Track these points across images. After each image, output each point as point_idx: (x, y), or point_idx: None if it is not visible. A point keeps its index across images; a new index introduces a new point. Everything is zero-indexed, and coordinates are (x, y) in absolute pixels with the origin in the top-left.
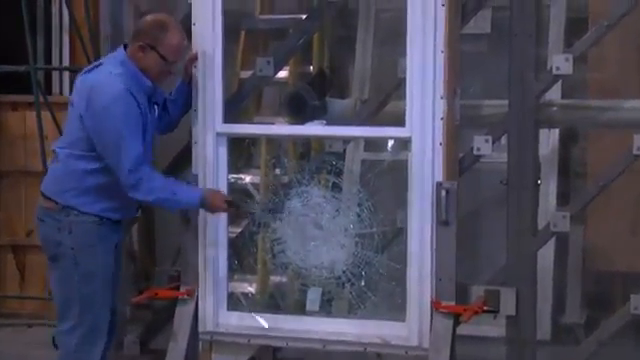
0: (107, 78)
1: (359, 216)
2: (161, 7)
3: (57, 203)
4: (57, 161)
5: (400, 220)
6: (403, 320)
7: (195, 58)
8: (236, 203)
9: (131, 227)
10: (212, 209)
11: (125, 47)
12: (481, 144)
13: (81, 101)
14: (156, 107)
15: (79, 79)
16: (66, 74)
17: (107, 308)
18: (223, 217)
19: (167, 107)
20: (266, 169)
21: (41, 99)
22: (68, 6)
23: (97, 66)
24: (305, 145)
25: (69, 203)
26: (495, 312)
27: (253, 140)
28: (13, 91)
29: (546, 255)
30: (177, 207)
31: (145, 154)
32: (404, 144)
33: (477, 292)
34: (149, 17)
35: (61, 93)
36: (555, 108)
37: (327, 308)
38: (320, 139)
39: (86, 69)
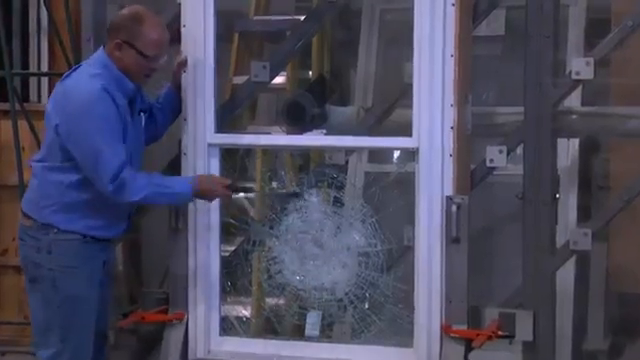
0: (83, 79)
1: (362, 233)
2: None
3: (35, 220)
4: (34, 176)
5: (407, 237)
6: (410, 346)
7: (184, 62)
8: (234, 185)
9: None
10: (209, 194)
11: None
12: (495, 155)
13: (56, 107)
14: (142, 115)
15: (56, 86)
16: (44, 80)
17: (91, 334)
18: (215, 235)
19: (153, 114)
20: (262, 182)
21: (17, 107)
22: (47, 8)
23: (75, 69)
24: (304, 156)
25: (48, 220)
26: (511, 337)
27: (247, 151)
28: None
29: (566, 275)
30: (171, 200)
31: (127, 162)
32: (411, 155)
33: (491, 315)
34: (123, 10)
35: (39, 101)
36: (575, 116)
37: (328, 333)
38: (320, 150)
39: (65, 75)
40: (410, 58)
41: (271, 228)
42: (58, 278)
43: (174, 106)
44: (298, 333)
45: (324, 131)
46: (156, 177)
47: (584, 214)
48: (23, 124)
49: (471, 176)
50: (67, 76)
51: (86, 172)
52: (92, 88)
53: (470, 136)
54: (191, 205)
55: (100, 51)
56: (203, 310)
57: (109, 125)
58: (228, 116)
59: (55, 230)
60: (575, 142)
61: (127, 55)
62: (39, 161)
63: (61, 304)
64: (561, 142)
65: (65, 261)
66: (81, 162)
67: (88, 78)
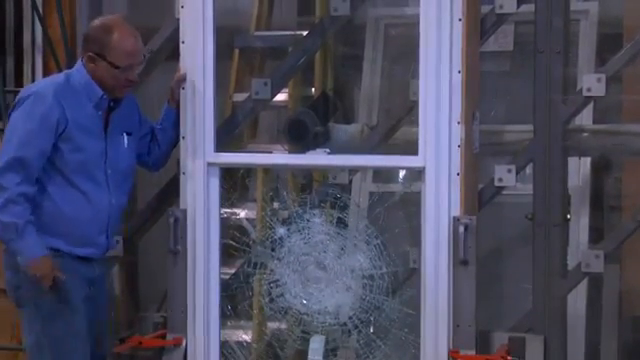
0: (41, 80)
1: (367, 255)
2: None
3: None
4: None
5: (413, 260)
6: None
7: (183, 79)
8: (59, 280)
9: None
10: (38, 272)
11: None
12: (503, 174)
13: None
14: (125, 136)
15: None
16: None
17: (85, 355)
18: (215, 257)
19: (155, 137)
20: (263, 203)
21: None
22: (42, 24)
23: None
24: (306, 176)
25: None
26: None
27: (248, 171)
28: None
29: (577, 299)
30: (8, 244)
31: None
32: (417, 174)
33: (500, 340)
34: (95, 21)
35: None
36: (586, 134)
37: (332, 358)
38: (323, 169)
39: None
40: (416, 74)
41: (272, 250)
42: (38, 298)
43: (176, 126)
44: (301, 358)
45: (327, 150)
46: (29, 221)
47: (596, 235)
48: None
49: (479, 196)
50: None
51: None
52: (36, 88)
53: (478, 155)
54: (190, 227)
55: (78, 64)
56: (202, 335)
57: (32, 124)
58: (228, 135)
59: None
60: (586, 161)
61: (100, 67)
62: None
63: (45, 325)
64: (572, 161)
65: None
66: None
67: (43, 81)
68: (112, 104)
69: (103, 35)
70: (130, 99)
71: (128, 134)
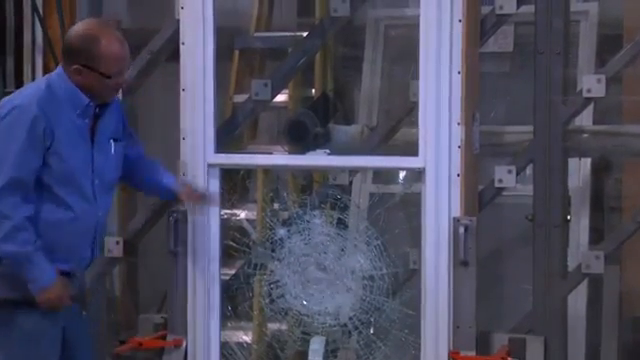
0: (20, 91)
1: (367, 256)
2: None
3: None
4: None
5: (413, 261)
6: None
7: (199, 197)
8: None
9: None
10: (53, 295)
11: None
12: (503, 175)
13: None
14: (112, 142)
15: None
16: None
17: None
18: (215, 258)
19: (137, 163)
20: (263, 204)
21: None
22: (42, 25)
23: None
24: (307, 177)
25: None
26: None
27: (248, 172)
28: None
29: (578, 300)
30: (20, 273)
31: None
32: (417, 175)
33: (500, 341)
34: (75, 31)
35: None
36: (586, 135)
37: (332, 359)
38: (323, 170)
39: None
40: (416, 75)
41: (273, 251)
42: (12, 312)
43: (154, 189)
44: (301, 359)
45: (327, 151)
46: (36, 245)
47: (596, 236)
48: None
49: (479, 197)
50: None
51: None
52: (21, 99)
53: (478, 156)
54: (190, 227)
55: (58, 69)
56: (203, 336)
57: (18, 140)
58: (228, 136)
59: (4, 261)
60: (586, 162)
61: (89, 78)
62: None
63: (19, 344)
64: (572, 162)
65: (15, 295)
66: None
67: (26, 90)
68: (98, 110)
69: (89, 45)
70: (115, 104)
71: (115, 140)
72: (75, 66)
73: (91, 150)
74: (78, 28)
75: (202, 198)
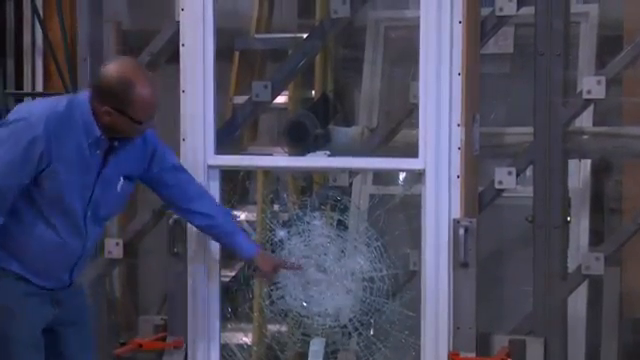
0: (40, 101)
1: (367, 258)
2: (145, 25)
3: None
4: None
5: (413, 262)
6: None
7: (279, 265)
8: None
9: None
10: None
11: None
12: (503, 177)
13: None
14: (122, 179)
15: None
16: None
17: None
18: (215, 259)
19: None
20: (263, 205)
21: None
22: (42, 27)
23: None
24: (307, 178)
25: None
26: None
27: (248, 173)
28: None
29: (578, 301)
30: None
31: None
32: (417, 177)
33: (500, 342)
34: (111, 70)
35: None
36: (586, 136)
37: None
38: (323, 172)
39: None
40: (416, 77)
41: (273, 252)
42: None
43: (224, 240)
44: None
45: (327, 152)
46: None
47: (596, 238)
48: None
49: (479, 198)
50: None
51: None
52: (29, 113)
53: (478, 157)
54: (190, 229)
55: (84, 96)
56: (203, 337)
57: (12, 155)
58: (228, 137)
59: None
60: (587, 163)
61: (119, 121)
62: None
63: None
64: (572, 163)
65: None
66: None
67: (41, 103)
68: (117, 144)
69: (123, 89)
70: (140, 141)
71: (126, 178)
72: (105, 108)
73: (94, 181)
74: (113, 69)
75: (281, 266)
